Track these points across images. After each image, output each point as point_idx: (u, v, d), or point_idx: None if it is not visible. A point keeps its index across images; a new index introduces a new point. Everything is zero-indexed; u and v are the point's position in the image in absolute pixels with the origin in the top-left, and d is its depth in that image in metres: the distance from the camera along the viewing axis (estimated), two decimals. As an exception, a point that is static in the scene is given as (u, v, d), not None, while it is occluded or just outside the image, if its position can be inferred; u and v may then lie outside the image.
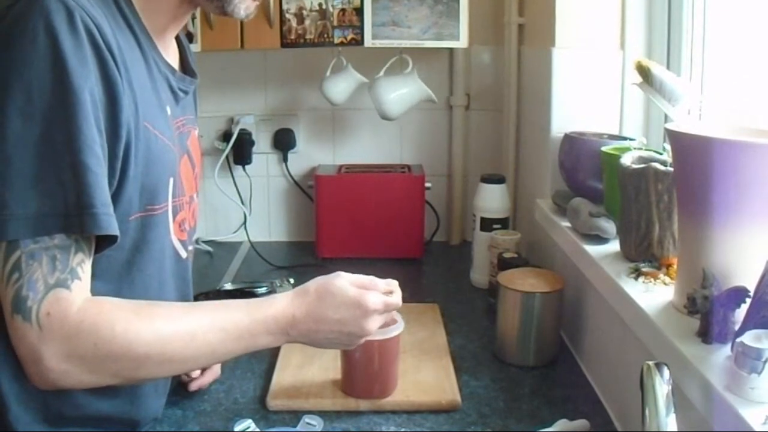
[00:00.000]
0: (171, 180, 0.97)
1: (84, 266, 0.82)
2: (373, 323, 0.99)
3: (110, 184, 0.84)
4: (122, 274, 0.92)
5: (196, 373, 1.18)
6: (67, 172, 0.78)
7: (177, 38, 1.07)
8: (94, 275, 0.85)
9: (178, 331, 0.86)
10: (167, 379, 1.08)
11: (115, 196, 0.85)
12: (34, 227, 0.77)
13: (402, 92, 1.80)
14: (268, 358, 1.30)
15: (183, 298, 1.08)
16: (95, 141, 0.80)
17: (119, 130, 0.83)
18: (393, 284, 1.04)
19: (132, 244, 0.91)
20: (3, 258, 0.78)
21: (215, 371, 1.21)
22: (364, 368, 1.14)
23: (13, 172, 0.77)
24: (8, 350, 0.81)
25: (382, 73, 1.80)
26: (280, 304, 0.94)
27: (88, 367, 0.81)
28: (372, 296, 0.99)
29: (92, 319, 0.80)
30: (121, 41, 0.87)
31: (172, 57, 1.04)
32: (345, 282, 0.99)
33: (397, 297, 1.03)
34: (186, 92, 1.05)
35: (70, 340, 0.79)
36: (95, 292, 0.84)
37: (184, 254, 1.06)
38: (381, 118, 1.82)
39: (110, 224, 0.81)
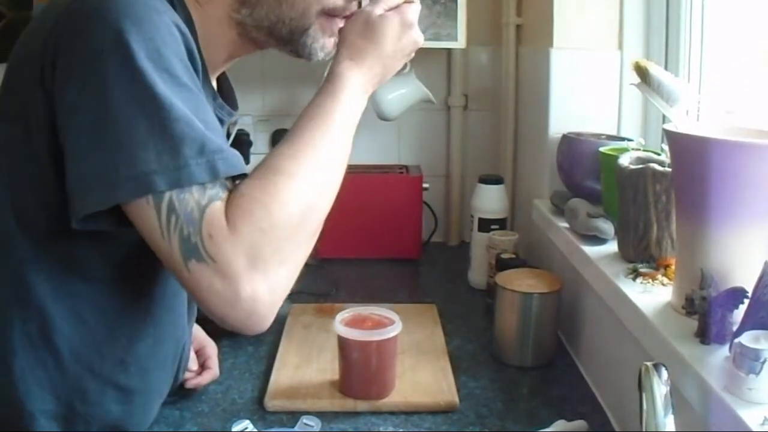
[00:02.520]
0: None
1: (230, 182, 0.79)
2: (418, 32, 0.97)
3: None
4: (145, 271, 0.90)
5: (194, 369, 1.17)
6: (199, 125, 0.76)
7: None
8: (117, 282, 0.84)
9: (306, 155, 0.84)
10: (169, 384, 1.07)
11: None
12: (174, 175, 0.74)
13: (400, 93, 1.80)
14: (266, 358, 1.30)
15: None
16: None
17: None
18: None
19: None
20: (156, 212, 0.74)
21: (214, 372, 1.20)
22: (361, 369, 1.14)
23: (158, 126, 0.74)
24: (24, 333, 0.81)
25: (380, 73, 1.80)
26: (346, 74, 0.92)
27: (278, 257, 0.77)
28: (408, 10, 0.96)
29: (239, 211, 0.75)
30: (193, 48, 0.84)
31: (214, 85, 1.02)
32: (379, 11, 0.94)
33: (417, 2, 0.99)
34: (222, 121, 1.01)
35: (238, 246, 0.74)
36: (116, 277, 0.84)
37: None
38: (379, 118, 1.81)
39: (240, 164, 0.79)
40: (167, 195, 0.74)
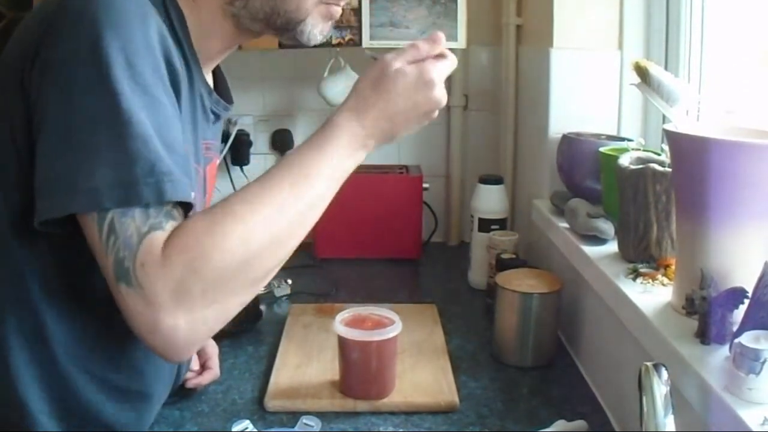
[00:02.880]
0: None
1: (178, 211, 0.77)
2: (442, 92, 0.88)
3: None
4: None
5: (194, 369, 1.17)
6: (153, 141, 0.75)
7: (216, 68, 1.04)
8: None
9: (264, 203, 0.79)
10: (167, 387, 1.06)
11: None
12: (121, 192, 0.73)
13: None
14: (266, 358, 1.30)
15: None
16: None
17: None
18: (438, 40, 0.89)
19: None
20: (98, 228, 0.74)
21: (214, 372, 1.20)
22: (361, 369, 1.14)
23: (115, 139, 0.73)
24: (20, 332, 0.81)
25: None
26: (343, 125, 0.86)
27: (206, 298, 0.75)
28: (431, 66, 0.87)
29: (177, 246, 0.74)
30: (174, 55, 0.83)
31: (208, 79, 1.00)
32: (397, 64, 0.87)
33: (451, 59, 0.89)
34: (218, 116, 1.01)
35: (167, 279, 0.73)
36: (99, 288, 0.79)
37: None
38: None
39: (188, 191, 0.77)
40: (110, 214, 0.74)
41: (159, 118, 0.77)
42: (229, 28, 0.93)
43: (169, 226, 0.75)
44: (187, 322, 0.74)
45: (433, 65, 0.87)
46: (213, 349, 1.22)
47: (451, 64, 0.89)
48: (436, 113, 0.90)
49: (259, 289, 0.84)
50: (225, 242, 0.75)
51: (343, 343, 1.15)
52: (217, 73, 1.05)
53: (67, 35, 0.75)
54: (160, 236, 0.74)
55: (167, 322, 0.74)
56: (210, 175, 1.05)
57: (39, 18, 0.79)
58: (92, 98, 0.74)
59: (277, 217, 0.80)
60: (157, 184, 0.74)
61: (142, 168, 0.74)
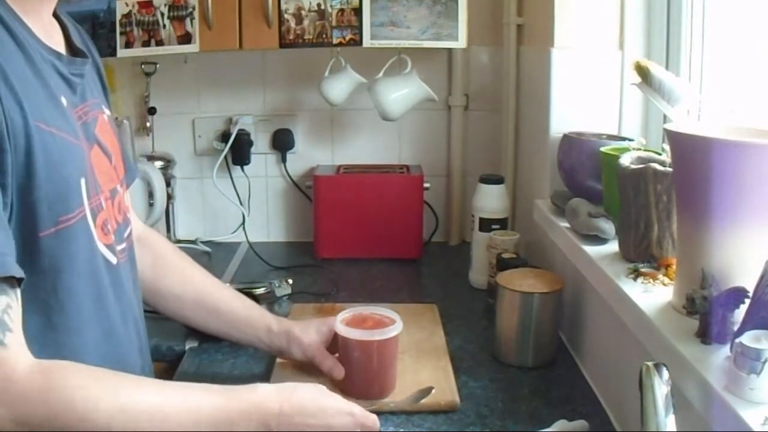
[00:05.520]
0: (83, 180, 0.86)
1: (11, 313, 0.74)
2: None
3: (5, 202, 0.75)
4: (49, 301, 0.83)
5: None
6: None
7: (58, 19, 0.96)
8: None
9: (144, 406, 0.78)
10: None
11: (19, 214, 0.77)
12: None
13: (403, 92, 1.80)
14: (267, 359, 1.30)
15: (126, 307, 0.98)
16: None
17: (2, 143, 0.75)
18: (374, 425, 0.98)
19: (51, 264, 0.82)
20: None
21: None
22: (362, 368, 1.14)
23: None
24: None
25: (381, 73, 1.80)
26: (264, 392, 0.89)
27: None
28: (359, 409, 0.96)
29: (43, 386, 0.73)
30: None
31: (57, 40, 0.93)
32: (346, 408, 0.95)
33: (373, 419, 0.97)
34: (80, 75, 0.93)
35: (16, 407, 0.72)
36: (23, 328, 0.76)
37: (114, 260, 0.95)
38: (382, 118, 1.81)
39: (3, 265, 0.72)
40: None
41: None
42: None
43: (10, 341, 0.73)
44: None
45: (361, 409, 0.95)
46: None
47: (373, 420, 0.96)
48: None
49: None
50: (92, 413, 0.74)
51: (344, 343, 1.15)
52: (63, 24, 0.97)
53: None
54: (5, 357, 0.72)
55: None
56: (104, 132, 0.98)
57: None
58: None
59: (149, 422, 0.78)
60: None
61: None
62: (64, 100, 0.87)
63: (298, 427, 0.88)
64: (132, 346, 1.00)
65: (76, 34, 1.00)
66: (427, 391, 1.12)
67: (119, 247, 0.98)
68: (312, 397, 0.92)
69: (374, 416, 0.97)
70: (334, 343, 1.19)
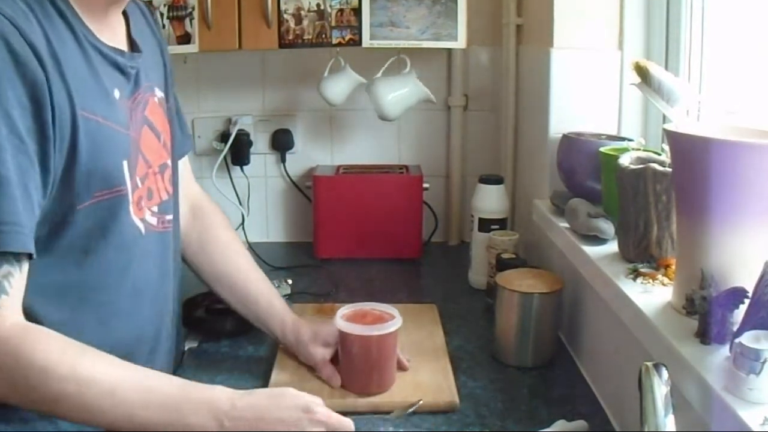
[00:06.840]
0: (125, 162, 0.95)
1: (11, 280, 0.81)
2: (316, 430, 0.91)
3: (46, 182, 0.84)
4: (80, 261, 0.92)
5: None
6: None
7: (124, 12, 1.04)
8: (51, 264, 0.87)
9: (98, 378, 0.83)
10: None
11: (60, 190, 0.86)
12: None
13: (401, 93, 1.79)
14: (267, 358, 1.30)
15: (164, 272, 1.08)
16: (18, 149, 0.80)
17: (46, 130, 0.83)
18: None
19: (85, 232, 0.91)
20: None
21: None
22: (362, 363, 1.15)
23: None
24: None
25: (380, 73, 1.80)
26: (219, 391, 0.91)
27: (6, 383, 0.81)
28: (323, 407, 0.93)
29: (16, 341, 0.80)
30: (51, 34, 0.85)
31: (119, 37, 1.01)
32: (297, 391, 0.94)
33: (348, 422, 0.94)
34: (135, 67, 1.02)
35: None
36: (52, 280, 0.87)
37: (143, 230, 1.02)
38: (380, 118, 1.81)
39: (16, 241, 0.80)
40: None
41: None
42: None
43: (3, 302, 0.80)
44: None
45: (324, 407, 0.92)
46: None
47: (344, 422, 0.93)
48: None
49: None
50: (49, 374, 0.80)
51: (343, 338, 1.16)
52: (127, 18, 1.05)
53: None
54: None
55: None
56: (154, 113, 1.07)
57: None
58: None
59: (99, 393, 0.83)
60: None
61: None
62: (117, 92, 0.96)
63: (251, 423, 0.89)
64: (151, 311, 1.06)
65: (139, 22, 1.08)
66: (414, 404, 1.12)
67: (167, 217, 1.08)
68: (268, 394, 0.94)
69: (341, 417, 0.93)
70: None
